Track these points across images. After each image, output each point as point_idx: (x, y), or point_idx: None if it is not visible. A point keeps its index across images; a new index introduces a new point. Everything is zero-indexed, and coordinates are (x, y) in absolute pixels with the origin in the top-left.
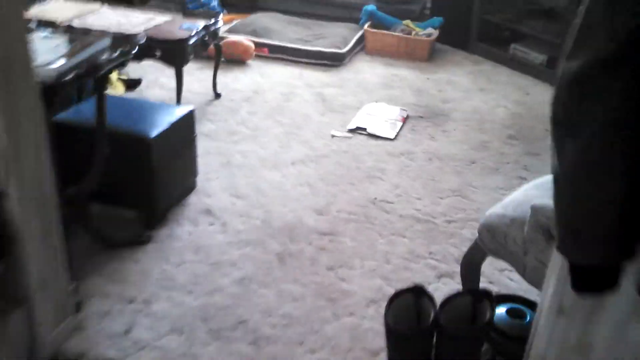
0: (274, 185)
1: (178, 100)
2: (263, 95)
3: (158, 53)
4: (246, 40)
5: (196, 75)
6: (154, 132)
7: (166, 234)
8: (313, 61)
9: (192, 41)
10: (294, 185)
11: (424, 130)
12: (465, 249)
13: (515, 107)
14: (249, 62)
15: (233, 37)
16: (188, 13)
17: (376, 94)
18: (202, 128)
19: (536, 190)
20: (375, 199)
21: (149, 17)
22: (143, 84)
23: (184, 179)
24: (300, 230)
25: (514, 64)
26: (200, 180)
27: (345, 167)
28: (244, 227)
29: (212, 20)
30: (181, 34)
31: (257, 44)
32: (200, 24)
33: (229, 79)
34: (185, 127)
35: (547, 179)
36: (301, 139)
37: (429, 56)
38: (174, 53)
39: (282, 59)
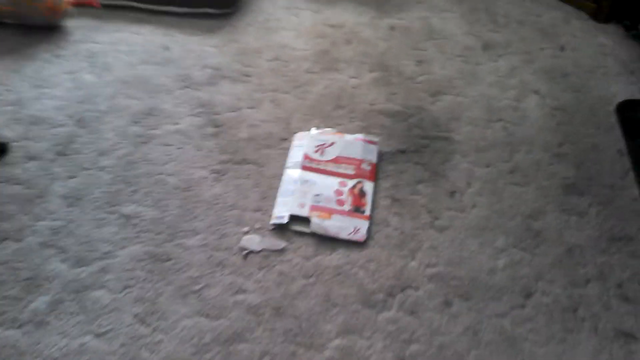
0: None
1: None
2: (96, 130)
3: None
4: None
5: None
6: None
7: None
8: (185, 10)
9: None
10: None
11: (414, 196)
12: None
13: (553, 90)
14: (63, 25)
15: None
16: None
17: (312, 93)
18: None
19: None
20: None
21: None
22: None
23: None
24: None
25: None
26: None
27: None
28: None
29: None
30: None
31: None
32: None
33: (24, 85)
34: None
35: None
36: (181, 281)
37: None
38: None
39: (128, 10)
